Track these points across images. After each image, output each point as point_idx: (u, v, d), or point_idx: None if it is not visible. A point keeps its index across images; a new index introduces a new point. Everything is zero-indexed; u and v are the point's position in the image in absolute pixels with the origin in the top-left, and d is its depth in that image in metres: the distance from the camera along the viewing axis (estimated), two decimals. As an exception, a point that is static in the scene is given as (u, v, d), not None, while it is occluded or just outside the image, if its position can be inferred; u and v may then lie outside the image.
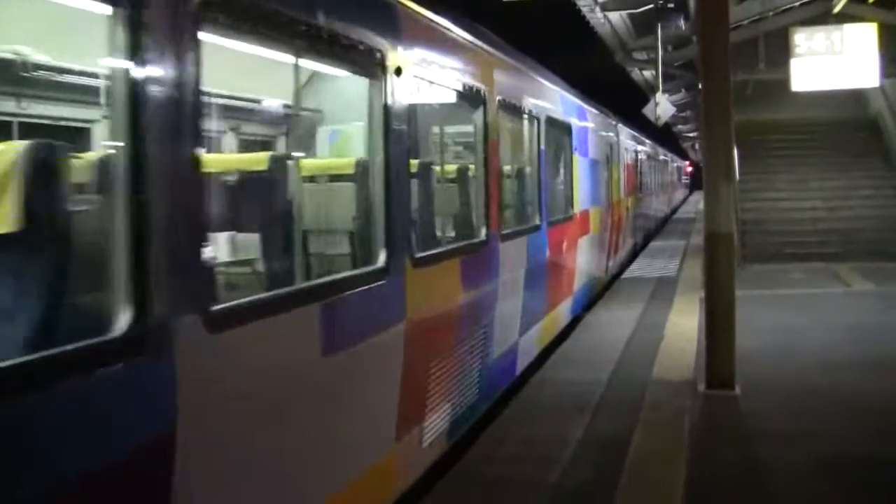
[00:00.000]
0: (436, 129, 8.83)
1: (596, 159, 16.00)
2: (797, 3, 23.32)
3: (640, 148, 27.07)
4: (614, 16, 23.16)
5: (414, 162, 6.69)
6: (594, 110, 16.70)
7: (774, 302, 14.74)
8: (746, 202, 21.90)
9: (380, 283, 5.54)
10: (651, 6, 22.50)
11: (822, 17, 22.70)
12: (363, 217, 5.98)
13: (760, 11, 23.56)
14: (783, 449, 7.27)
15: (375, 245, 5.69)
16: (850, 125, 25.27)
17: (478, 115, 8.21)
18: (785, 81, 21.48)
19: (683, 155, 76.67)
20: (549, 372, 10.13)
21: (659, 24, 23.91)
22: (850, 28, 20.98)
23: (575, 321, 13.34)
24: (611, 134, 18.98)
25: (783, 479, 6.66)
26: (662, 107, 24.29)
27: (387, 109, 5.72)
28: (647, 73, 29.64)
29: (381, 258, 5.62)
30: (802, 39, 20.92)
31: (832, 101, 24.19)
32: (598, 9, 21.72)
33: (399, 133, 5.90)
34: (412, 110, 6.29)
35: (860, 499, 6.36)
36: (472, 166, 8.51)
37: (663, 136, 40.50)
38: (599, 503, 6.13)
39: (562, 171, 12.98)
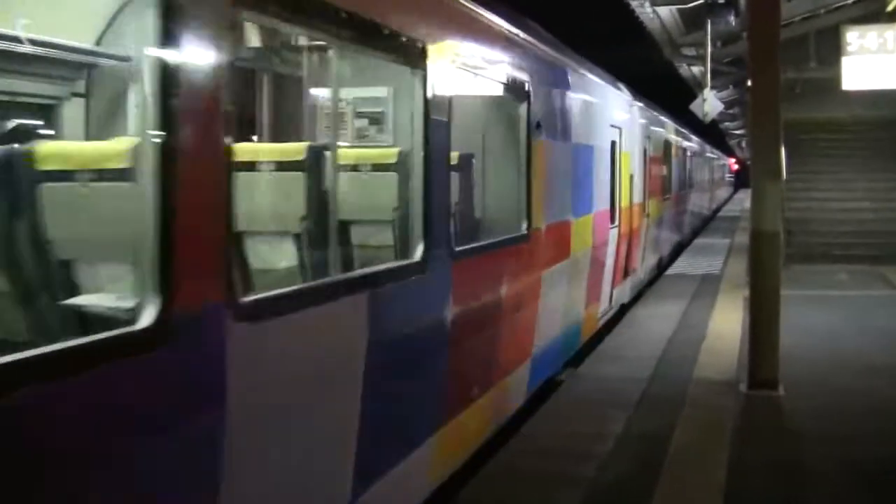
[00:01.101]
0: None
1: (588, 147, 11.06)
2: (850, 1, 22.98)
3: (672, 138, 22.79)
4: (664, 11, 22.99)
5: None
6: (591, 76, 11.90)
7: (819, 303, 14.59)
8: (792, 202, 21.62)
9: None
10: (701, 1, 22.31)
11: (875, 15, 22.35)
12: None
13: (812, 9, 23.24)
14: (825, 451, 7.21)
15: None
16: (901, 125, 24.86)
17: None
18: (835, 80, 21.16)
19: (729, 152, 75.89)
20: (588, 368, 10.11)
21: (709, 20, 23.71)
22: (903, 27, 20.62)
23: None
24: (622, 114, 13.92)
25: (823, 480, 6.62)
26: (710, 103, 24.05)
27: None
28: (696, 69, 29.35)
29: None
30: (854, 37, 20.58)
31: (883, 100, 23.77)
32: (647, 3, 21.58)
33: None
34: None
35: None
36: (128, 147, 4.02)
37: (707, 131, 40.06)
38: (635, 499, 6.13)
39: (505, 162, 8.21)
